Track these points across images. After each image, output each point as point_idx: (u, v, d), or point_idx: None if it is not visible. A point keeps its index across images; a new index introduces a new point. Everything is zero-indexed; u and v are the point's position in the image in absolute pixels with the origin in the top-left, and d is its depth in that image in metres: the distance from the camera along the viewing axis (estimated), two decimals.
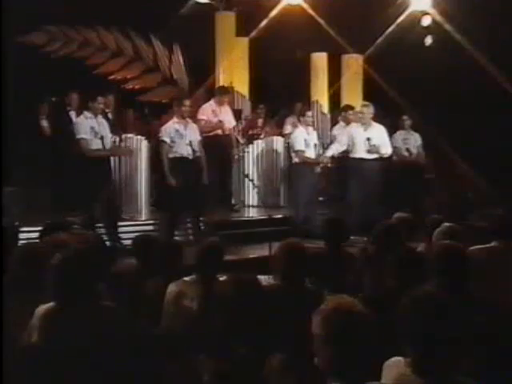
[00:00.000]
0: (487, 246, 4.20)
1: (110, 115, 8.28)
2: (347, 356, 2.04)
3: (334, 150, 8.25)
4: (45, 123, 8.36)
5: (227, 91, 9.15)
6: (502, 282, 3.87)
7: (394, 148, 8.79)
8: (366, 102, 8.18)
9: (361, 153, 7.92)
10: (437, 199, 8.85)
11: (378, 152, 7.91)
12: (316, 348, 2.09)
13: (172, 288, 3.69)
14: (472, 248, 4.09)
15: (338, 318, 2.06)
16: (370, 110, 8.03)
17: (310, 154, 8.11)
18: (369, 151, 7.89)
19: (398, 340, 2.16)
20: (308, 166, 8.11)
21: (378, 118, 8.53)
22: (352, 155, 8.00)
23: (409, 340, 2.14)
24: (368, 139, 7.88)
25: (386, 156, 8.03)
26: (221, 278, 3.73)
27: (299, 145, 8.12)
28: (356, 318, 2.07)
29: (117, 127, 8.19)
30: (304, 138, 8.14)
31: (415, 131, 8.91)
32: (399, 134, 8.83)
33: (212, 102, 8.81)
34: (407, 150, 8.80)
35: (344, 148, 8.07)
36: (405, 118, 8.87)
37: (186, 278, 3.77)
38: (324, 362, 2.07)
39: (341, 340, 2.04)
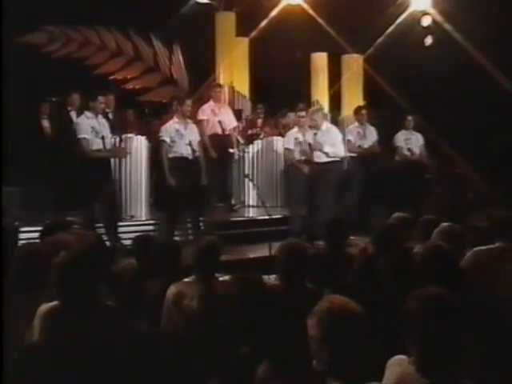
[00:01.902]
0: (491, 246, 4.19)
1: (110, 115, 8.29)
2: (344, 356, 2.04)
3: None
4: (46, 123, 8.36)
5: (218, 85, 9.24)
6: (506, 282, 3.85)
7: (396, 148, 8.83)
8: (316, 107, 8.04)
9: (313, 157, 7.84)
10: (437, 199, 8.86)
11: (321, 151, 7.77)
12: (313, 349, 2.10)
13: (172, 289, 3.70)
14: (475, 249, 4.08)
15: (332, 318, 2.07)
16: (319, 116, 7.90)
17: (303, 154, 8.13)
18: (304, 152, 7.85)
19: (404, 339, 2.17)
20: (295, 166, 8.14)
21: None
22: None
23: (414, 339, 2.15)
24: (309, 144, 7.82)
25: (334, 155, 7.80)
26: (220, 278, 3.75)
27: (287, 143, 8.18)
28: (350, 317, 2.07)
29: (118, 127, 8.21)
30: (294, 137, 8.16)
31: (417, 131, 8.94)
32: (401, 134, 8.86)
33: (211, 102, 8.85)
34: (409, 149, 8.82)
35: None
36: (409, 118, 8.89)
37: (185, 279, 3.78)
38: (322, 362, 2.07)
39: (336, 340, 2.04)
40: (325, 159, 7.78)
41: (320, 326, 2.06)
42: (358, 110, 9.01)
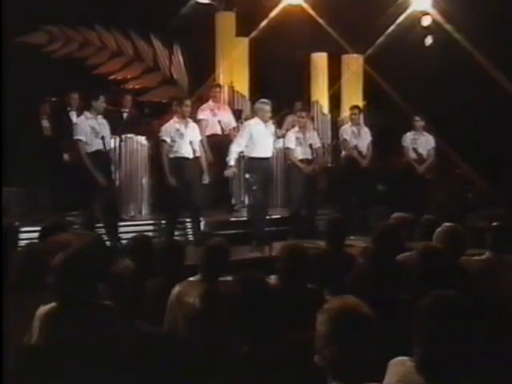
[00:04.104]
0: (479, 258, 4.18)
1: (125, 115, 8.36)
2: (348, 358, 2.04)
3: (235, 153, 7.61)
4: (46, 123, 8.37)
5: (217, 85, 9.34)
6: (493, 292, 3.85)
7: (402, 148, 8.84)
8: (265, 100, 7.65)
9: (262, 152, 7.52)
10: (437, 199, 8.86)
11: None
12: (318, 346, 2.09)
13: (176, 288, 3.70)
14: (464, 258, 4.09)
15: (345, 319, 2.06)
16: (268, 108, 7.51)
17: (304, 153, 8.16)
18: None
19: (412, 338, 2.18)
20: (296, 166, 8.16)
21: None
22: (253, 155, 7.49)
23: (419, 339, 2.16)
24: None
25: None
26: (220, 278, 3.75)
27: (288, 143, 8.23)
28: (362, 320, 2.07)
29: (130, 126, 8.29)
30: (296, 137, 8.19)
31: (428, 133, 8.94)
32: (409, 134, 8.87)
33: (210, 102, 8.87)
34: (414, 149, 8.82)
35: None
36: (417, 119, 8.88)
37: (191, 278, 3.77)
38: (325, 360, 2.07)
39: (344, 341, 2.04)
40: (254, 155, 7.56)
41: (330, 324, 2.06)
42: (351, 110, 9.05)
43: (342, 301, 2.14)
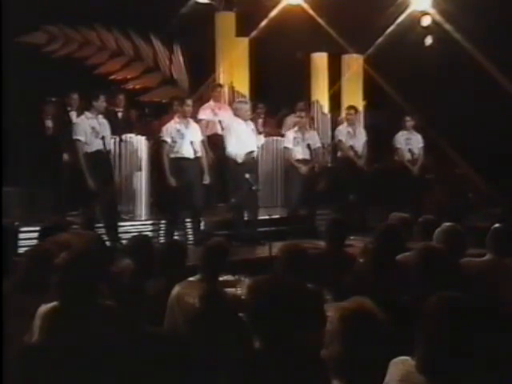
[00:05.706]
0: (480, 259, 4.18)
1: (119, 114, 8.34)
2: (352, 360, 2.04)
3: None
4: (46, 123, 8.36)
5: (219, 85, 9.36)
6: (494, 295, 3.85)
7: (397, 149, 8.83)
8: (243, 99, 7.84)
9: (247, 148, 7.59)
10: (437, 199, 8.86)
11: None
12: (326, 342, 2.10)
13: (176, 288, 3.70)
14: (466, 259, 4.09)
15: (355, 321, 2.07)
16: (247, 107, 7.72)
17: (302, 153, 8.16)
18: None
19: (414, 338, 2.18)
20: (293, 166, 8.18)
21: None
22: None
23: (420, 339, 2.16)
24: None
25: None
26: (220, 278, 3.75)
27: (286, 142, 8.30)
28: (374, 325, 2.07)
29: (126, 126, 8.27)
30: (294, 137, 8.21)
31: (417, 132, 8.95)
32: (402, 135, 8.86)
33: (211, 102, 8.87)
34: (409, 150, 8.82)
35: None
36: (407, 118, 8.90)
37: (190, 278, 3.78)
38: (331, 358, 2.08)
39: (352, 343, 2.04)
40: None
41: (341, 323, 2.06)
42: (347, 110, 9.05)
43: (357, 303, 2.14)
